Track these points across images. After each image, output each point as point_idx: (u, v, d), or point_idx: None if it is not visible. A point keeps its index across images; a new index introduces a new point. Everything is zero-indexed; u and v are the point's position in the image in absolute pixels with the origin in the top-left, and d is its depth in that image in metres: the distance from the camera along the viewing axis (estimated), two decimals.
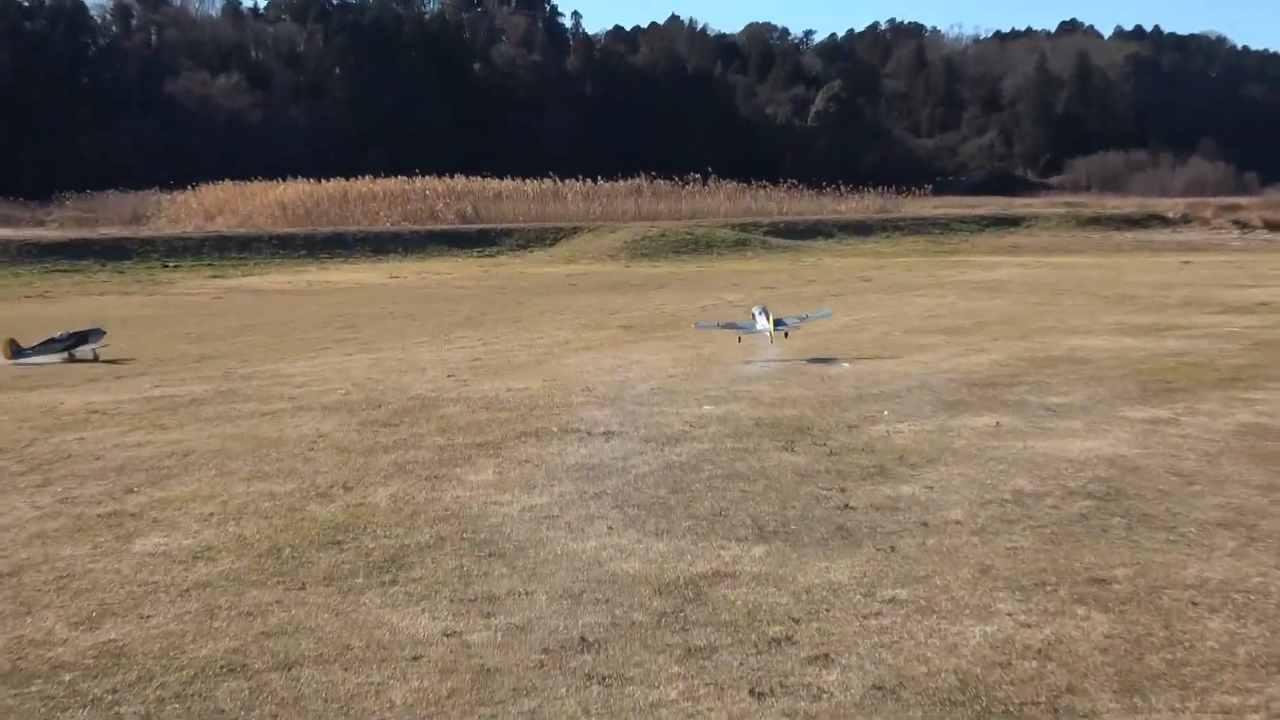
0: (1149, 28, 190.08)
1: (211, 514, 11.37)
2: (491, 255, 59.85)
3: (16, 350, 24.75)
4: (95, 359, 24.53)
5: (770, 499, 11.43)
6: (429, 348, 24.67)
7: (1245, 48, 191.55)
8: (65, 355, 24.85)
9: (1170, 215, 75.16)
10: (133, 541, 10.57)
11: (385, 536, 10.54)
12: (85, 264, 53.33)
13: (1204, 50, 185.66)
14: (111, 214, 75.90)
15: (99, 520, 11.25)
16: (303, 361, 22.83)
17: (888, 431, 14.48)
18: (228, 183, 79.53)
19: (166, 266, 53.83)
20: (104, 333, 25.83)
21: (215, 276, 50.71)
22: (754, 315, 23.14)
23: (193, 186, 79.96)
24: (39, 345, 25.13)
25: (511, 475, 12.59)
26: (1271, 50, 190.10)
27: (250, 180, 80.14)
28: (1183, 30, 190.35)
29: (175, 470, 13.24)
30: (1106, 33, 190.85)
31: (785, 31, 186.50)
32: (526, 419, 15.80)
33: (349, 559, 9.94)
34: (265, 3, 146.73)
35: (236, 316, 33.02)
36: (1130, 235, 67.81)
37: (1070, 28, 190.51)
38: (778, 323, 22.62)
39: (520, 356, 22.69)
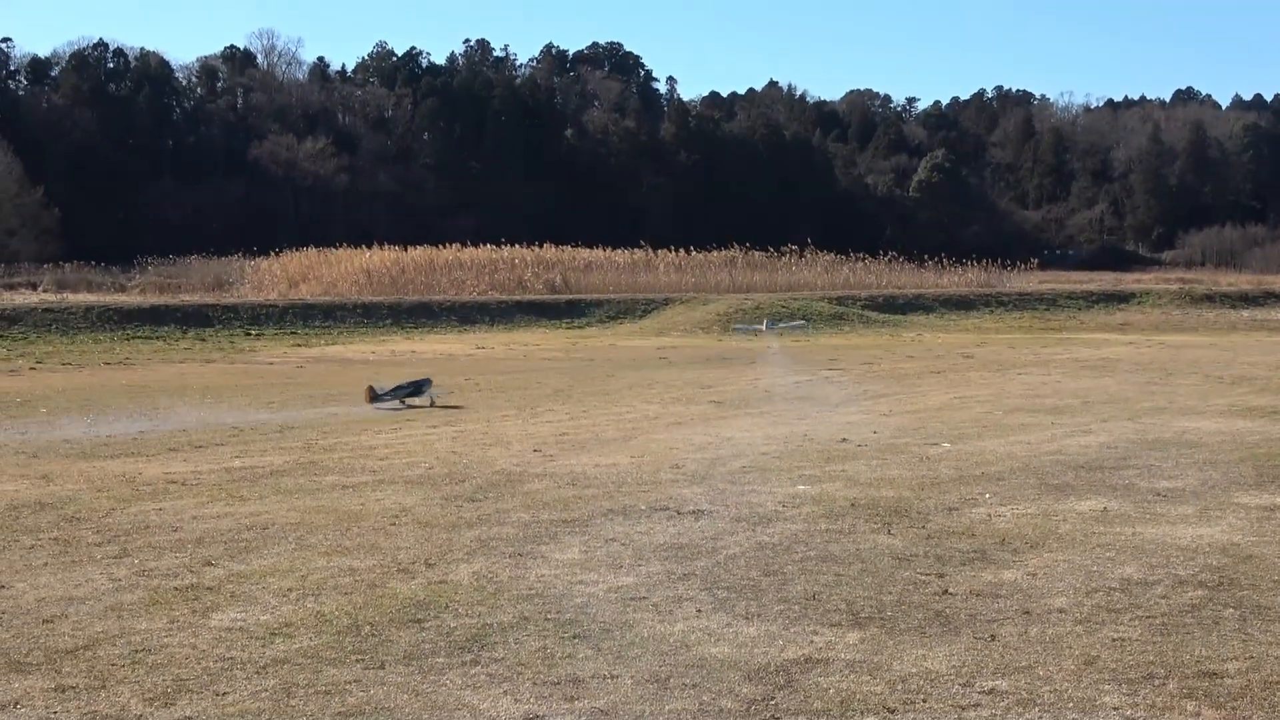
0: (1269, 97, 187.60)
1: (290, 589, 11.13)
2: (580, 327, 59.79)
3: (374, 395, 27.61)
4: (432, 404, 27.45)
5: (865, 583, 11.07)
6: (515, 421, 24.46)
7: None
8: (401, 402, 27.71)
9: None
10: (210, 616, 10.35)
11: (467, 615, 10.26)
12: (166, 330, 53.56)
13: None
14: (194, 279, 76.77)
15: (176, 593, 11.04)
16: (386, 433, 22.67)
17: (989, 515, 14.08)
18: (312, 249, 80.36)
19: (249, 334, 54.09)
20: (431, 382, 28.90)
21: (298, 345, 50.91)
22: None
23: (276, 252, 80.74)
24: (390, 391, 27.96)
25: (598, 554, 12.29)
26: None
27: (335, 246, 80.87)
28: None
29: (254, 543, 13.03)
30: (1224, 102, 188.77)
31: (887, 99, 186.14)
32: (614, 496, 15.53)
33: (430, 638, 9.67)
34: (353, 66, 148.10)
35: (320, 386, 32.97)
36: (1246, 314, 66.91)
37: (1186, 97, 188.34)
38: (769, 324, 31.92)
39: (608, 431, 22.42)
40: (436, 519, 14.18)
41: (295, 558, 12.32)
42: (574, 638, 9.63)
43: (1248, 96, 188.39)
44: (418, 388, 28.26)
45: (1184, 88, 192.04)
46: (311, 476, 17.49)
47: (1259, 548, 12.28)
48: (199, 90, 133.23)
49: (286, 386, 33.13)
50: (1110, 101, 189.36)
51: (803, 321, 33.19)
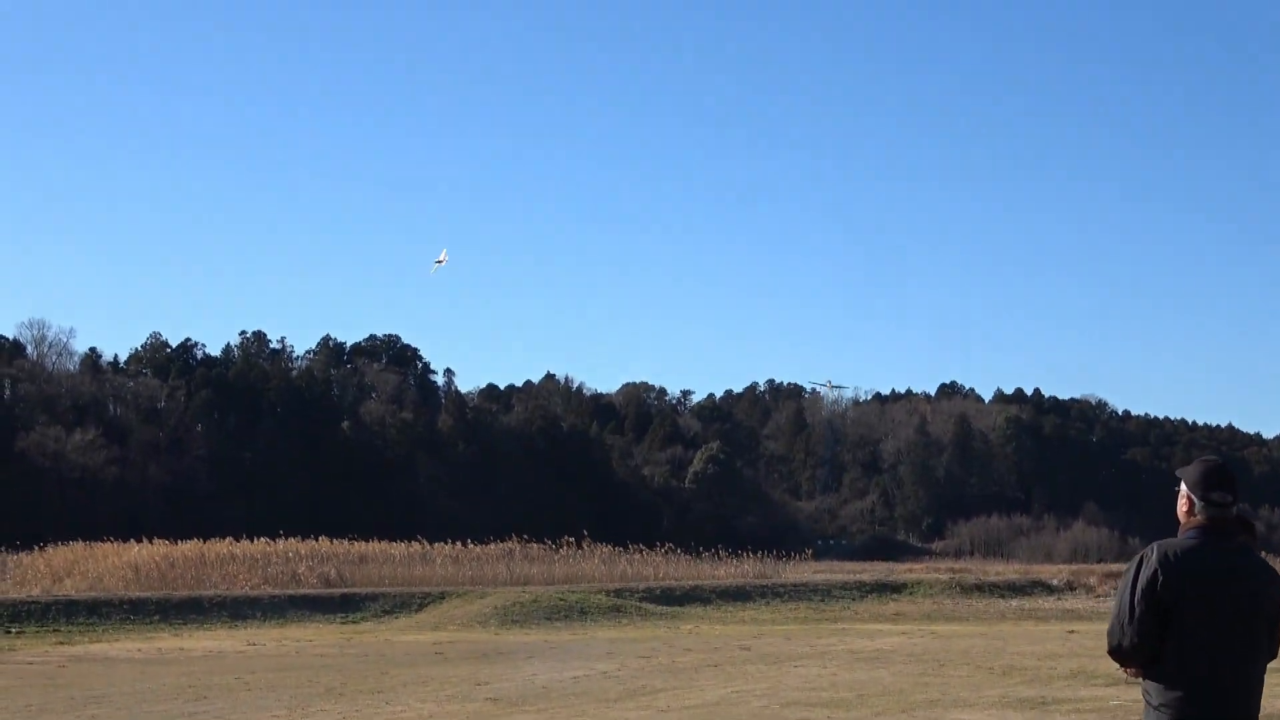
0: (1029, 391, 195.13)
1: None
2: (355, 621, 58.70)
3: None
4: None
5: None
6: None
7: (1126, 412, 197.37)
8: None
9: (1054, 582, 75.94)
10: None
11: None
12: None
13: (1085, 414, 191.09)
14: None
15: None
16: None
17: None
18: (78, 543, 78.66)
19: (10, 632, 52.07)
20: None
21: (61, 643, 49.00)
22: None
23: (41, 546, 78.89)
24: None
25: None
26: (1152, 415, 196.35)
27: (103, 539, 79.29)
28: (1063, 394, 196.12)
29: None
30: (987, 396, 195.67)
31: (662, 391, 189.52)
32: None
33: None
34: (126, 357, 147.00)
35: (81, 687, 31.76)
36: (1014, 603, 68.11)
37: (950, 390, 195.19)
38: None
39: None
40: None
41: None
42: None
43: (1009, 390, 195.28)
44: None
45: (948, 381, 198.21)
46: None
47: None
48: None
49: (46, 688, 31.88)
50: (878, 395, 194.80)
51: None
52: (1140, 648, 7.88)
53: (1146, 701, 7.97)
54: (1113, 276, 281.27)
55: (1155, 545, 8.01)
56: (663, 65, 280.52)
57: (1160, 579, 7.82)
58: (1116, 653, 8.04)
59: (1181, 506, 8.19)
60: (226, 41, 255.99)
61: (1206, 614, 7.79)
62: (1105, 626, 8.29)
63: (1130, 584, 7.94)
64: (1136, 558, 8.07)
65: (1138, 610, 7.84)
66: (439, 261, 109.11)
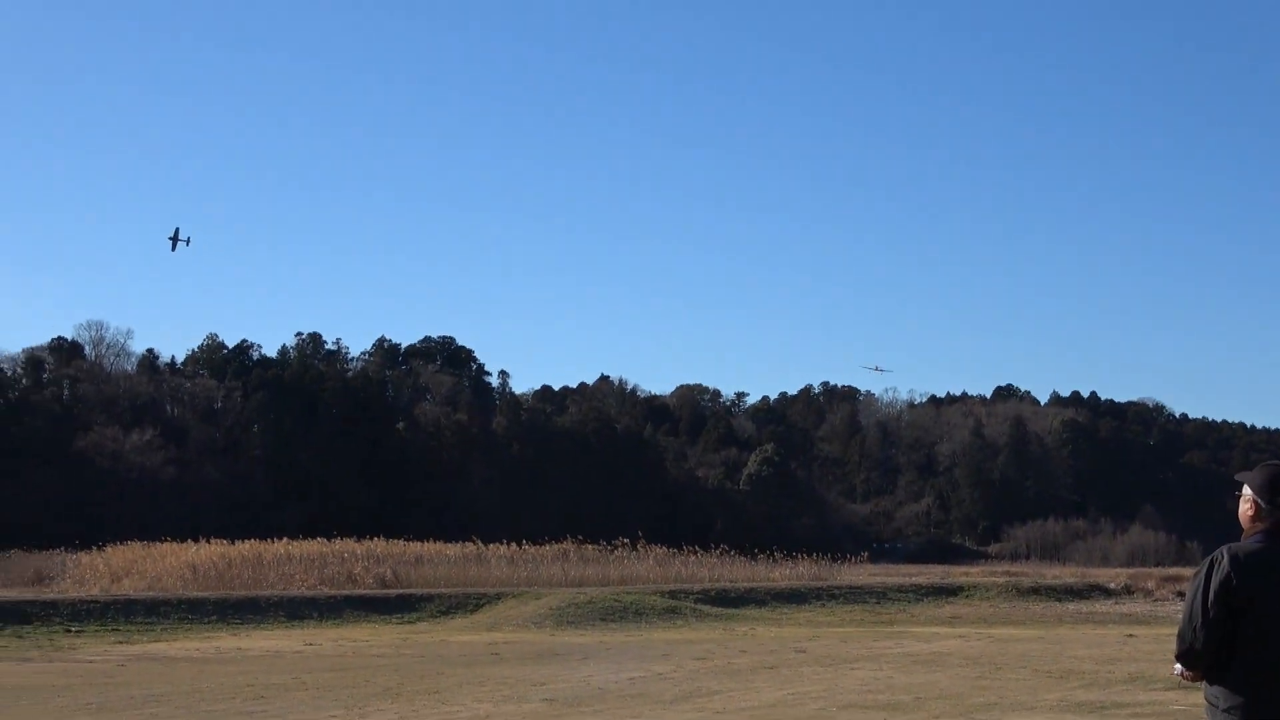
0: (1085, 394, 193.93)
1: None
2: (411, 621, 58.74)
3: None
4: None
5: None
6: None
7: (1184, 415, 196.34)
8: None
9: (1112, 586, 75.45)
10: None
11: None
12: None
13: (1142, 418, 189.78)
14: (13, 574, 75.00)
15: None
16: None
17: None
18: (136, 543, 79.13)
19: (70, 631, 52.25)
20: None
21: (120, 642, 49.18)
22: None
23: (100, 546, 79.32)
24: None
25: None
26: (1209, 419, 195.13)
27: (161, 540, 79.68)
28: (1120, 398, 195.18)
29: None
30: (1043, 398, 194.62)
31: (717, 393, 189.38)
32: None
33: None
34: (183, 358, 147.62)
35: (140, 686, 31.92)
36: (1072, 606, 67.74)
37: (1006, 393, 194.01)
38: None
39: None
40: None
41: None
42: None
43: (1065, 393, 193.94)
44: None
45: (1004, 384, 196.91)
46: None
47: None
48: (24, 381, 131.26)
49: (106, 686, 32.06)
50: (933, 397, 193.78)
51: None
52: (1211, 650, 7.84)
53: (1212, 705, 7.95)
54: (1170, 278, 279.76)
55: (1225, 549, 7.97)
56: (705, 70, 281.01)
57: (1234, 582, 7.79)
58: (1186, 656, 7.99)
59: (1245, 510, 8.17)
60: (285, 51, 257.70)
61: (1275, 617, 7.77)
62: (1165, 630, 8.24)
63: (1201, 587, 7.92)
64: (1206, 561, 8.05)
65: (1211, 613, 7.82)
66: (175, 238, 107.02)
